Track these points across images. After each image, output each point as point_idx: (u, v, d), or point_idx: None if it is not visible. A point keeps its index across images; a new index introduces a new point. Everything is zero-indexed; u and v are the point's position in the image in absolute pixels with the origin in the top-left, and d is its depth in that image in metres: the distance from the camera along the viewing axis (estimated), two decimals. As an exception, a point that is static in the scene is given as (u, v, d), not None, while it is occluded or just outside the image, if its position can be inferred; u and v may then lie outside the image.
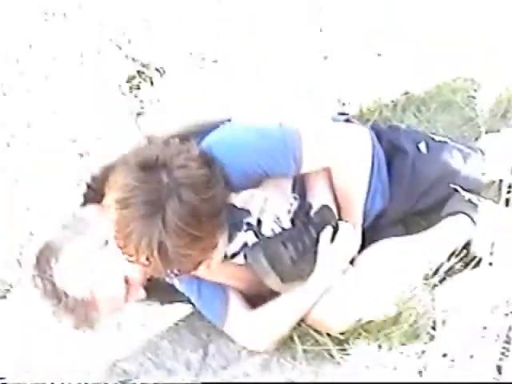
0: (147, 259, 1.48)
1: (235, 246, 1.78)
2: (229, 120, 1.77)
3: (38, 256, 1.70)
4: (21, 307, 1.90)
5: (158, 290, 1.81)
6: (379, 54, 2.45)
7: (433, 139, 2.02)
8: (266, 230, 1.78)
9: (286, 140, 1.66)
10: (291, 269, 1.67)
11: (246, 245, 1.78)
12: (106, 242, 1.67)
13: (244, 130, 1.70)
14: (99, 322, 1.67)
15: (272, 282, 1.68)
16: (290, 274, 1.68)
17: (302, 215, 1.76)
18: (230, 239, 1.72)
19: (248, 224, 1.77)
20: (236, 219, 1.73)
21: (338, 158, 1.73)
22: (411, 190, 1.95)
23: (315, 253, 1.72)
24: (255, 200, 1.74)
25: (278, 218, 1.77)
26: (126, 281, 1.68)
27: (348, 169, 1.75)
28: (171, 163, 1.49)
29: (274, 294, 1.78)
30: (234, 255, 1.79)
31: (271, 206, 1.77)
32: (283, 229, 1.78)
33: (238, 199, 1.70)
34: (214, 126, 1.74)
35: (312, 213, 1.76)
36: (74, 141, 2.13)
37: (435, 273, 1.82)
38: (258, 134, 1.67)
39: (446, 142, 2.02)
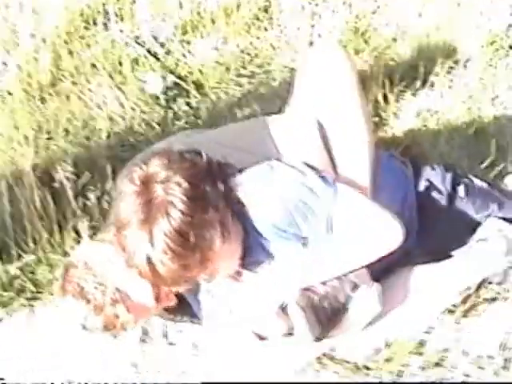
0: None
1: None
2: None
3: (65, 264, 1.72)
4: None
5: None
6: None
7: (472, 181, 1.98)
8: None
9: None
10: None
11: None
12: None
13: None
14: (130, 326, 1.68)
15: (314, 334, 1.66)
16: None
17: None
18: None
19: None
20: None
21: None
22: (442, 233, 1.89)
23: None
24: None
25: None
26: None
27: None
28: (169, 179, 1.51)
29: None
30: None
31: None
32: None
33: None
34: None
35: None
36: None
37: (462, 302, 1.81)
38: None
39: (482, 188, 1.97)
